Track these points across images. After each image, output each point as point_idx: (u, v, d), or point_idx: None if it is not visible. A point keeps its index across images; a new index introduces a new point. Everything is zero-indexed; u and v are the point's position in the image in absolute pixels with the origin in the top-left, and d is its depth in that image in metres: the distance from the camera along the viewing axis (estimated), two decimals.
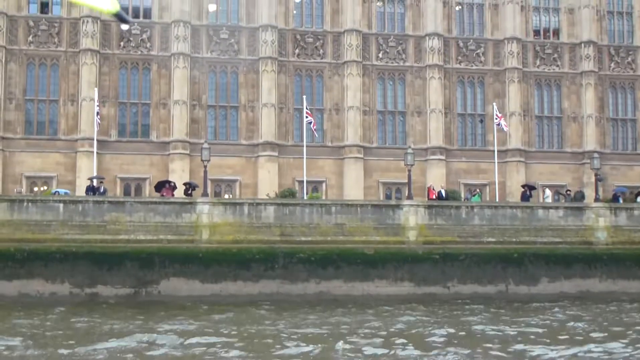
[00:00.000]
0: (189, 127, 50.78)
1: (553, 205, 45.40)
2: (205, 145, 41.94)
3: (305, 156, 48.30)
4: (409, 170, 44.12)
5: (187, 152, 49.79)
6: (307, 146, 51.23)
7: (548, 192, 49.65)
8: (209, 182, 48.97)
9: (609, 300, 40.73)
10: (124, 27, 49.27)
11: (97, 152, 48.37)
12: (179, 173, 48.63)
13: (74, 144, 48.89)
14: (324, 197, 51.50)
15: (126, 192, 49.38)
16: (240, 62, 52.56)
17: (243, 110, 52.37)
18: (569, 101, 57.03)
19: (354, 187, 51.82)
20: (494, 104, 51.89)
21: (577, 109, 56.85)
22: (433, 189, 48.02)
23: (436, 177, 52.93)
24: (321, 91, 53.85)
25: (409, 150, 44.45)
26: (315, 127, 48.19)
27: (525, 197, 47.02)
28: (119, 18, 5.62)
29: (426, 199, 47.24)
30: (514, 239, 42.82)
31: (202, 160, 41.83)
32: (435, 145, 53.78)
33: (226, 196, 49.97)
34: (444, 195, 46.40)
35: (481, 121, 55.49)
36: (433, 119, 53.95)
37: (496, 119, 49.76)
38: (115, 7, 5.46)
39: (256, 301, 37.55)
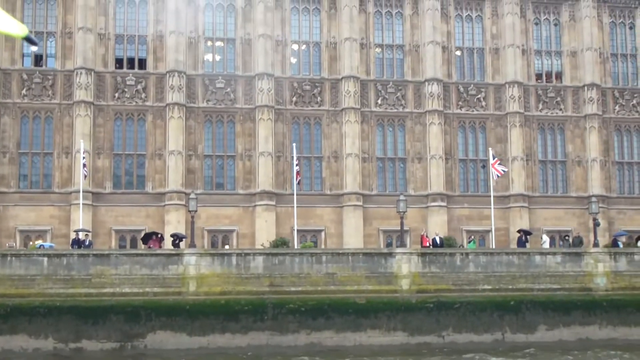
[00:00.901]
0: (185, 178, 50.99)
1: (550, 251, 44.92)
2: (193, 196, 42.06)
3: (295, 205, 48.02)
4: (402, 218, 43.96)
5: (183, 202, 49.73)
6: (305, 195, 51.66)
7: (545, 237, 49.23)
8: (205, 233, 49.38)
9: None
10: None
11: (92, 205, 48.71)
12: (174, 224, 48.75)
13: (68, 196, 49.17)
14: (323, 246, 51.51)
15: (121, 245, 49.55)
16: (237, 111, 52.89)
17: (240, 160, 52.54)
18: (573, 145, 56.82)
19: (353, 236, 51.68)
20: (490, 149, 51.61)
21: (581, 152, 56.62)
22: (427, 236, 47.88)
23: (437, 224, 52.78)
24: (319, 138, 53.99)
25: (402, 198, 44.33)
26: (299, 177, 48.00)
27: (521, 242, 46.77)
28: (28, 40, 5.92)
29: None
30: (511, 286, 42.42)
31: (189, 210, 41.89)
32: (436, 191, 53.69)
33: (226, 247, 49.82)
34: (438, 242, 46.10)
35: (483, 167, 55.20)
36: (433, 165, 53.90)
37: (494, 163, 49.32)
38: (24, 32, 5.77)
39: (245, 354, 37.44)
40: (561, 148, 57.21)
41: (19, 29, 5.83)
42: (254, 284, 39.94)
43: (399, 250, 42.47)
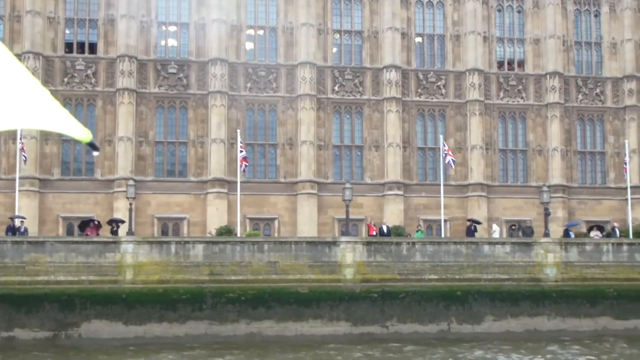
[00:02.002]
0: (135, 165, 50.65)
1: (500, 241, 44.83)
2: (131, 182, 41.93)
3: (239, 192, 48.26)
4: (347, 206, 43.76)
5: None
6: (259, 182, 51.61)
7: (495, 227, 49.15)
8: (155, 221, 49.08)
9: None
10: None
11: (39, 191, 48.41)
12: (123, 212, 48.24)
13: (13, 183, 48.63)
14: (276, 235, 51.24)
15: (69, 232, 49.19)
16: (190, 97, 52.58)
17: (192, 146, 52.30)
18: (535, 134, 56.69)
19: (307, 224, 51.45)
20: (441, 136, 51.32)
21: (542, 141, 56.48)
22: (373, 225, 47.72)
23: (393, 213, 52.66)
24: (274, 125, 53.54)
25: (347, 186, 44.15)
26: (245, 164, 47.65)
27: (470, 232, 46.62)
28: (92, 146, 5.81)
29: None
30: (458, 276, 42.31)
31: (127, 197, 41.59)
32: (392, 180, 53.46)
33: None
34: (385, 231, 45.92)
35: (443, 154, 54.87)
36: (391, 153, 53.65)
37: (444, 154, 49.10)
38: (88, 137, 5.65)
39: (183, 343, 37.21)
40: (522, 137, 57.06)
41: (82, 133, 5.71)
42: (194, 273, 39.75)
43: (343, 239, 42.28)
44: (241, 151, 47.54)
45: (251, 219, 51.77)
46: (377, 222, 49.41)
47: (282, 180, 53.04)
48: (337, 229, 51.88)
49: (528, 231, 48.19)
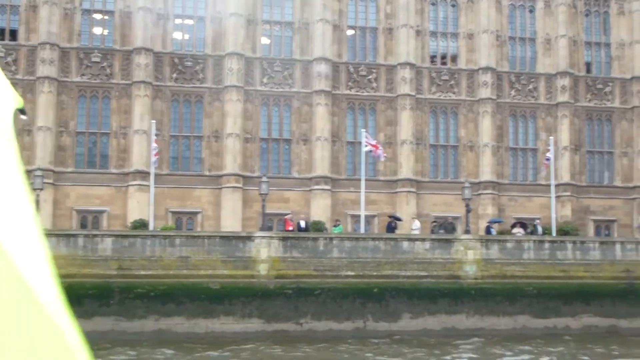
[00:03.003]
0: (55, 155, 49.52)
1: (419, 237, 44.40)
2: (38, 173, 40.92)
3: (152, 184, 47.40)
4: (263, 200, 43.12)
5: (52, 181, 48.30)
6: (183, 175, 50.80)
7: (417, 223, 48.56)
8: (74, 214, 48.04)
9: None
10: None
11: None
12: (40, 204, 47.19)
13: None
14: (199, 229, 50.40)
15: None
16: (113, 87, 51.56)
17: (114, 137, 51.35)
18: (466, 129, 56.35)
19: (231, 218, 50.74)
20: (363, 130, 50.64)
21: (474, 137, 56.16)
22: (291, 220, 47.08)
23: (320, 208, 52.04)
24: (200, 117, 52.72)
25: (264, 179, 43.69)
26: (157, 156, 46.77)
27: (389, 228, 46.19)
28: (22, 112, 4.96)
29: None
30: (375, 273, 41.94)
31: (33, 189, 40.53)
32: (320, 174, 52.75)
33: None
34: (303, 226, 45.31)
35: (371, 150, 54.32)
36: (319, 147, 53.01)
37: (366, 146, 48.40)
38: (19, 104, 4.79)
39: (89, 340, 36.14)
40: (453, 132, 56.71)
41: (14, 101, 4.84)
42: (102, 267, 39.09)
43: (258, 234, 41.71)
44: (155, 147, 46.49)
45: (174, 213, 51.00)
46: (304, 217, 48.70)
47: (207, 173, 52.26)
48: (262, 223, 51.04)
49: (449, 227, 47.87)
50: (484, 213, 54.43)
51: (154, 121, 48.90)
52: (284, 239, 41.76)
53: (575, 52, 58.54)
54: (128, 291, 38.52)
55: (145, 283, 38.87)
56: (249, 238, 41.37)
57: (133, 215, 48.61)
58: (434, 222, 50.64)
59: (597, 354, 36.08)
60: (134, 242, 40.02)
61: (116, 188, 50.58)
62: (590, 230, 56.91)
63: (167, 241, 40.21)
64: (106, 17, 52.99)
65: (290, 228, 45.87)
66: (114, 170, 50.92)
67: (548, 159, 51.44)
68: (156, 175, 50.00)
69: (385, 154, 49.80)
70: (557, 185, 55.65)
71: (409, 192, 54.07)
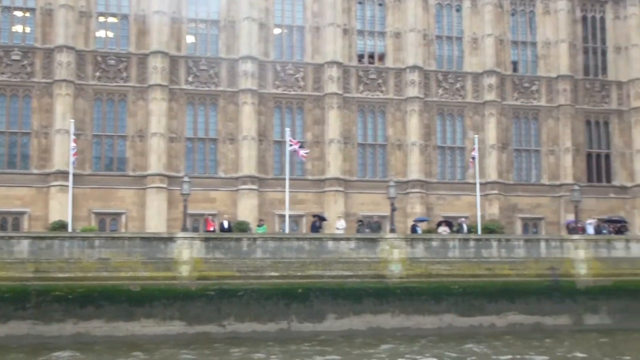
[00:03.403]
0: None
1: (344, 237, 43.89)
2: None
3: (71, 185, 46.54)
4: (185, 200, 42.47)
5: None
6: (107, 175, 49.97)
7: (342, 222, 48.22)
8: None
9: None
10: None
11: None
12: None
13: None
14: (123, 230, 49.49)
15: None
16: (34, 86, 50.43)
17: (35, 137, 50.19)
18: (394, 128, 56.23)
19: (156, 219, 50.01)
20: (288, 129, 50.27)
21: (402, 136, 56.08)
22: (212, 220, 46.52)
23: (246, 208, 51.56)
24: (124, 117, 51.76)
25: (186, 179, 42.94)
26: (76, 156, 45.90)
27: (314, 228, 45.79)
28: None
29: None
30: (300, 273, 41.41)
31: None
32: (247, 174, 52.19)
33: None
34: (226, 226, 44.71)
35: (300, 148, 53.79)
36: (245, 146, 52.51)
37: (290, 145, 47.97)
38: None
39: (4, 345, 35.30)
40: (382, 131, 56.53)
41: None
42: (17, 270, 37.90)
43: (180, 234, 40.89)
44: (74, 147, 45.56)
45: (97, 214, 50.14)
46: (227, 217, 48.01)
47: (131, 173, 51.40)
48: (188, 224, 50.12)
49: (375, 226, 47.60)
50: (412, 212, 54.34)
51: (73, 120, 47.98)
52: (206, 239, 41.02)
53: (502, 51, 58.76)
54: (45, 294, 37.46)
55: (64, 286, 37.82)
56: (171, 239, 40.55)
57: (55, 217, 47.56)
58: (360, 221, 50.30)
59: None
60: (51, 244, 38.86)
61: (37, 189, 49.48)
62: (518, 228, 57.17)
63: (86, 243, 39.16)
64: (27, 15, 51.73)
65: (212, 228, 45.17)
66: (35, 171, 49.80)
67: (474, 158, 51.52)
68: (79, 175, 49.24)
69: (304, 154, 49.16)
70: (484, 184, 55.96)
71: (337, 191, 53.79)
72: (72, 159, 45.67)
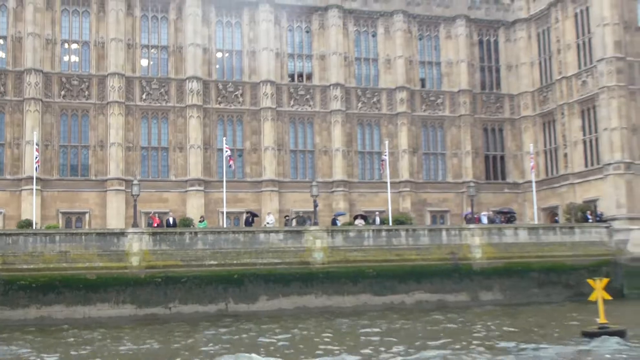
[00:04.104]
0: None
1: (274, 230, 43.67)
2: None
3: (34, 188, 45.64)
4: (135, 200, 41.74)
5: None
6: (71, 180, 49.48)
7: (271, 217, 47.90)
8: None
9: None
10: None
11: None
12: None
13: None
14: (87, 227, 48.60)
15: None
16: (7, 103, 49.31)
17: (9, 147, 49.17)
18: (321, 136, 55.89)
19: (115, 217, 49.16)
20: (224, 138, 49.90)
21: (327, 143, 55.77)
22: (157, 217, 45.82)
23: (194, 207, 50.87)
24: (87, 129, 50.88)
25: (135, 182, 42.23)
26: (38, 163, 45.14)
27: (248, 222, 45.39)
28: None
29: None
30: (235, 261, 41.22)
31: None
32: (194, 177, 51.64)
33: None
34: (171, 222, 44.13)
35: (240, 155, 53.43)
36: (192, 153, 51.92)
37: (226, 151, 47.59)
38: None
39: None
40: (310, 139, 56.14)
41: None
42: None
43: (130, 230, 40.33)
44: (37, 156, 44.80)
45: (64, 213, 49.24)
46: (172, 214, 47.38)
47: (93, 178, 50.54)
48: (143, 221, 49.30)
49: (300, 220, 47.28)
50: (337, 207, 54.11)
51: (36, 132, 47.13)
52: (153, 234, 40.52)
53: (411, 70, 58.72)
54: (12, 283, 36.84)
55: (28, 276, 37.23)
56: (123, 234, 40.00)
57: (26, 216, 46.36)
58: (286, 216, 49.97)
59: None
60: (17, 239, 38.20)
61: (11, 192, 48.42)
62: (428, 219, 57.14)
63: (48, 238, 38.54)
64: (0, 42, 50.52)
65: (156, 224, 44.41)
66: (8, 177, 48.74)
67: (384, 160, 51.50)
68: (47, 180, 48.61)
69: (231, 164, 48.70)
70: (398, 182, 55.99)
71: (272, 191, 53.37)
72: (35, 165, 44.87)
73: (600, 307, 26.78)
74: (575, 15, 55.94)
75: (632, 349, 24.22)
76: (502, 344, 26.76)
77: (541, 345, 25.89)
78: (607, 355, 23.38)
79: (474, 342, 27.67)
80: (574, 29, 56.05)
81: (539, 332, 30.78)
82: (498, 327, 32.85)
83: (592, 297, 27.78)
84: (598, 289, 27.29)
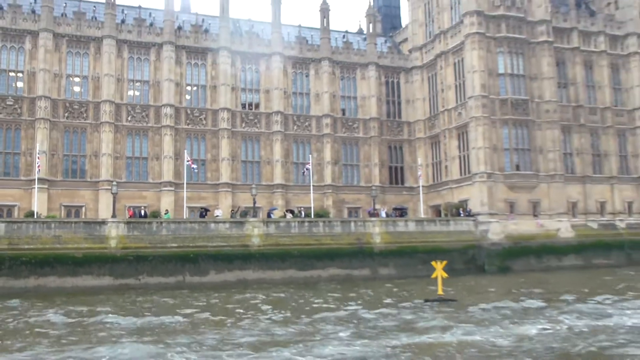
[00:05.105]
0: None
1: (222, 220, 43.45)
2: None
3: (37, 186, 44.44)
4: (114, 196, 41.23)
5: None
6: (72, 181, 49.31)
7: (220, 211, 47.66)
8: None
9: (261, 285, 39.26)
10: None
11: None
12: None
13: None
14: (83, 217, 47.81)
15: None
16: (22, 121, 48.76)
17: (23, 156, 48.42)
18: (265, 151, 55.76)
19: (105, 210, 48.29)
20: (185, 151, 49.63)
21: (270, 156, 55.65)
22: (133, 210, 45.28)
23: (167, 204, 50.37)
24: (84, 142, 50.47)
25: (114, 183, 41.78)
26: (40, 167, 44.56)
27: (202, 215, 45.06)
28: None
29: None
30: (191, 244, 40.91)
31: None
32: (167, 180, 51.25)
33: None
34: (143, 214, 43.63)
35: (203, 164, 53.09)
36: (166, 162, 51.48)
37: (187, 161, 47.29)
38: None
39: None
40: (257, 152, 55.89)
41: None
42: None
43: (110, 219, 39.82)
44: (38, 162, 44.16)
45: (66, 207, 48.40)
46: (144, 208, 46.82)
47: (89, 179, 49.74)
48: (127, 213, 48.66)
49: (243, 214, 47.07)
50: (276, 204, 53.95)
51: (38, 144, 46.47)
52: (128, 223, 40.11)
53: (334, 102, 58.88)
54: (16, 259, 36.26)
55: (29, 254, 36.67)
56: (104, 222, 39.53)
57: (35, 209, 45.54)
58: (232, 210, 49.72)
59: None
60: (21, 226, 37.60)
61: (24, 190, 47.50)
62: (345, 214, 57.20)
63: (45, 225, 38.01)
64: (19, 74, 49.69)
65: (130, 216, 43.88)
66: (22, 178, 47.82)
67: (308, 169, 51.54)
68: (53, 181, 47.89)
69: (195, 166, 48.45)
70: (323, 186, 56.25)
71: (227, 191, 53.06)
72: (36, 169, 44.24)
73: (439, 282, 26.92)
74: (454, 64, 56.72)
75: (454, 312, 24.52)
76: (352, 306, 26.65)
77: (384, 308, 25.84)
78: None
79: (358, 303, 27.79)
80: (453, 74, 56.83)
81: (402, 297, 30.74)
82: (376, 294, 33.02)
83: (433, 275, 27.61)
84: (438, 269, 27.19)
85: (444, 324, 21.08)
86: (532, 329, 19.65)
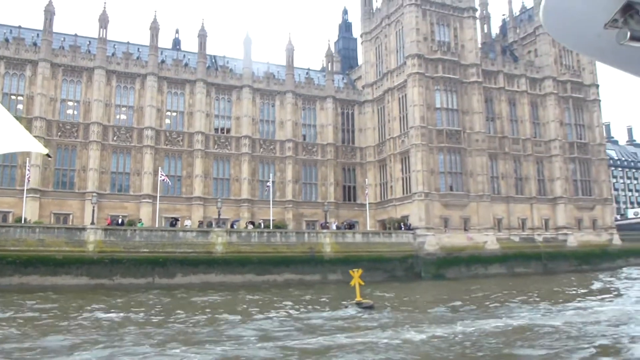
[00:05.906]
0: None
1: (189, 229, 43.26)
2: None
3: (25, 196, 43.77)
4: (94, 205, 40.87)
5: None
6: (62, 191, 48.67)
7: (189, 222, 47.49)
8: None
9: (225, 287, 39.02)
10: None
11: None
12: None
13: None
14: (70, 224, 47.09)
15: None
16: None
17: (19, 169, 47.68)
18: (234, 170, 55.77)
19: (90, 218, 47.45)
20: (160, 168, 49.49)
21: (239, 174, 55.60)
22: (110, 219, 44.94)
23: (145, 213, 49.89)
24: (74, 158, 49.92)
25: (94, 194, 41.23)
26: (29, 180, 44.00)
27: (172, 224, 44.85)
28: (48, 155, 4.50)
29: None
30: (161, 250, 40.63)
31: None
32: (146, 193, 50.91)
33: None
34: (120, 222, 43.28)
35: (179, 180, 52.89)
36: (146, 178, 51.22)
37: (161, 176, 47.13)
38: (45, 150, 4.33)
39: None
40: (227, 171, 55.83)
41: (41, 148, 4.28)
42: None
43: (89, 226, 39.56)
44: (28, 174, 43.52)
45: (55, 214, 47.81)
46: (121, 217, 46.40)
47: (77, 191, 49.24)
48: (92, 220, 48.09)
49: (210, 225, 46.87)
50: (242, 216, 53.83)
51: (29, 158, 45.83)
52: (105, 229, 39.86)
53: (297, 129, 59.20)
54: (2, 260, 35.63)
55: (14, 255, 36.19)
56: (83, 229, 39.22)
57: (27, 215, 44.90)
58: (200, 221, 49.49)
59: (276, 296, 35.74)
60: (9, 230, 37.19)
61: (18, 198, 46.68)
62: (304, 226, 57.12)
63: (30, 230, 37.59)
64: (19, 97, 49.22)
65: (108, 224, 43.46)
66: (17, 187, 47.06)
67: (269, 186, 51.52)
68: (44, 191, 47.31)
69: (169, 182, 48.27)
70: (285, 201, 56.23)
71: (199, 204, 52.88)
72: (26, 181, 43.58)
73: (357, 289, 25.63)
74: (399, 99, 57.48)
75: (366, 314, 24.16)
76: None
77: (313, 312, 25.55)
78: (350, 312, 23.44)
79: (299, 305, 27.68)
80: (398, 107, 57.56)
81: (329, 301, 30.55)
82: (314, 297, 32.95)
83: (352, 283, 26.13)
84: (355, 277, 25.98)
85: (343, 326, 20.41)
86: (421, 335, 18.33)
